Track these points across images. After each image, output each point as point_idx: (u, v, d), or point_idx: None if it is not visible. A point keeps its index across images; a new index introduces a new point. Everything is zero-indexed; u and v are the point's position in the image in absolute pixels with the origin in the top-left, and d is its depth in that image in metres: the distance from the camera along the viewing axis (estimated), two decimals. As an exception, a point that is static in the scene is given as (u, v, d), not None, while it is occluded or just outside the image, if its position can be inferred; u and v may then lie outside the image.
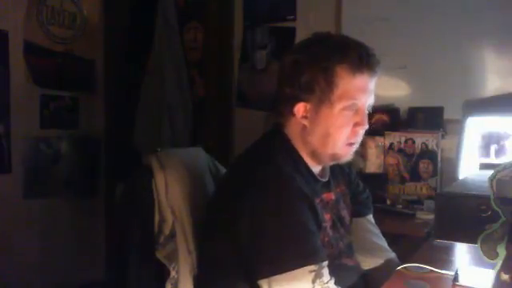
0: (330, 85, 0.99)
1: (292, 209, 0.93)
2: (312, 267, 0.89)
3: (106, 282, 2.79)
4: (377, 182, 2.12)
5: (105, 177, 2.94)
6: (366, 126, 1.04)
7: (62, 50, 2.71)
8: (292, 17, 2.50)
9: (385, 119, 2.24)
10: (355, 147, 1.07)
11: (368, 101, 1.04)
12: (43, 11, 2.62)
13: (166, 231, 1.11)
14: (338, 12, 2.36)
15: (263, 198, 0.93)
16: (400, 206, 2.04)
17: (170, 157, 1.19)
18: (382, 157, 2.17)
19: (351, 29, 2.30)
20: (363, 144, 2.20)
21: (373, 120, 2.27)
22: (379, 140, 2.18)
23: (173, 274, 1.09)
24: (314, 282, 0.89)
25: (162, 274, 1.11)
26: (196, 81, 2.85)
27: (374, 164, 2.18)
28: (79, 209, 2.82)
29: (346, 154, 1.07)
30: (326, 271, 0.92)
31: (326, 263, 0.93)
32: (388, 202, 2.08)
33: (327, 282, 0.91)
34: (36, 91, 2.60)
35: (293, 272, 0.88)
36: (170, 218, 1.11)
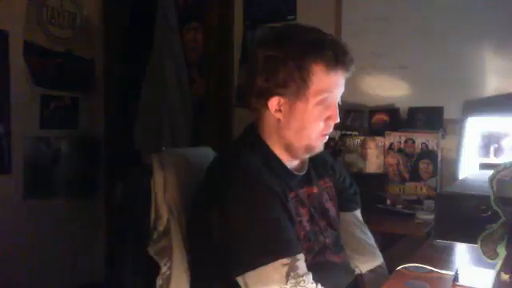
0: (305, 81, 1.00)
1: (260, 205, 0.94)
2: (284, 260, 0.89)
3: (106, 282, 2.79)
4: (377, 181, 2.12)
5: (105, 177, 2.94)
6: (338, 120, 1.06)
7: (62, 50, 2.71)
8: (292, 17, 2.50)
9: (385, 119, 2.24)
10: (326, 138, 1.09)
11: (339, 95, 1.06)
12: (43, 11, 2.62)
13: (160, 228, 1.12)
14: (338, 12, 2.36)
15: (232, 197, 0.94)
16: (400, 206, 2.04)
17: (173, 156, 1.20)
18: (382, 157, 2.17)
19: (351, 29, 2.31)
20: (363, 144, 2.20)
21: (373, 120, 2.27)
22: (379, 140, 2.18)
23: (164, 269, 1.10)
24: (287, 275, 0.88)
25: (159, 270, 1.12)
26: (196, 81, 2.85)
27: (374, 164, 2.18)
28: (79, 209, 2.82)
29: (319, 145, 1.09)
30: (301, 264, 0.92)
31: (301, 256, 0.93)
32: (388, 202, 2.07)
33: (303, 275, 0.90)
34: (36, 91, 2.60)
35: (265, 267, 0.88)
36: (165, 214, 1.12)
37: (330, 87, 1.02)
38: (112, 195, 2.64)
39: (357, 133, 2.23)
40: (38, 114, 2.62)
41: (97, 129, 2.93)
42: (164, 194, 1.12)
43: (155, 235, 1.12)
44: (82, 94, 2.84)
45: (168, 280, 1.09)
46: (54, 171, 2.71)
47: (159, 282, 1.10)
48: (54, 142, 2.72)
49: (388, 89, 2.26)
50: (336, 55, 1.00)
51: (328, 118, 1.05)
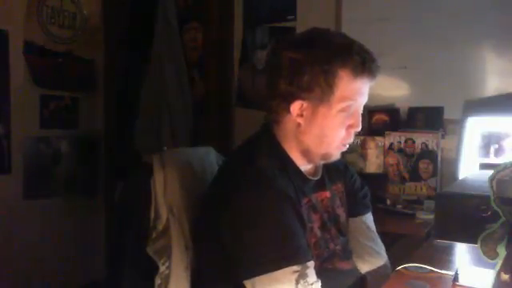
0: (330, 86, 0.98)
1: (273, 210, 0.92)
2: (295, 267, 0.88)
3: (106, 282, 2.79)
4: (377, 181, 2.12)
5: (105, 177, 2.94)
6: (360, 128, 1.05)
7: (62, 50, 2.71)
8: (292, 17, 2.50)
9: (385, 119, 2.24)
10: (345, 148, 1.07)
11: (363, 103, 1.05)
12: (43, 11, 2.62)
13: (160, 227, 1.11)
14: (338, 12, 2.36)
15: (244, 200, 0.93)
16: (400, 206, 2.04)
17: (173, 156, 1.20)
18: (382, 157, 2.17)
19: (351, 29, 2.30)
20: (363, 144, 2.20)
21: (373, 120, 2.27)
22: (379, 140, 2.18)
23: (162, 269, 1.10)
24: (297, 282, 0.87)
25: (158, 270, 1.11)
26: (196, 81, 2.85)
27: (373, 164, 2.19)
28: (79, 209, 2.82)
29: (337, 154, 1.08)
30: (311, 272, 0.91)
31: (311, 263, 0.92)
32: (388, 202, 2.07)
33: (312, 284, 0.89)
34: (36, 91, 2.60)
35: (275, 273, 0.87)
36: (164, 214, 1.11)
37: (355, 94, 1.00)
38: (112, 195, 2.64)
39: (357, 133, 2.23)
40: (38, 114, 2.62)
41: (97, 129, 2.93)
42: (164, 194, 1.11)
43: (154, 235, 1.12)
44: (82, 93, 2.84)
45: (167, 279, 1.09)
46: (54, 171, 2.71)
47: (158, 281, 1.10)
48: (54, 141, 2.71)
49: (388, 89, 2.26)
50: (363, 61, 0.99)
51: (350, 126, 1.03)
